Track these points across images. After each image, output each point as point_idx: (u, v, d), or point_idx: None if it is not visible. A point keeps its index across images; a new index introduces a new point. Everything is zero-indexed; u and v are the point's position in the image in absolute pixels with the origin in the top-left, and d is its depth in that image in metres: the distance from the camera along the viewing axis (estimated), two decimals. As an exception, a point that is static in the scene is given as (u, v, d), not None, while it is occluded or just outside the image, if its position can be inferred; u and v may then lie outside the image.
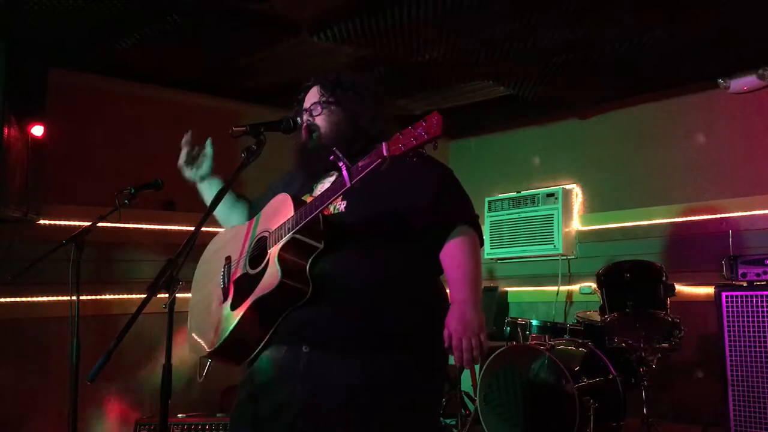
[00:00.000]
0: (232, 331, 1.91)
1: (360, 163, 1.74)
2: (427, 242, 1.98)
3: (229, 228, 2.30)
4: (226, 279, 2.09)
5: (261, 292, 1.87)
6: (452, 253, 1.95)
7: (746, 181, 4.42)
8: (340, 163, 1.75)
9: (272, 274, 1.86)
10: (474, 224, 2.03)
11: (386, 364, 1.87)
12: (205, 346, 2.01)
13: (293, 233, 1.86)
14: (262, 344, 1.96)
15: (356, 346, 1.88)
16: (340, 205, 1.99)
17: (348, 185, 1.75)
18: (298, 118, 2.13)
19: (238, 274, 2.03)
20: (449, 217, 1.99)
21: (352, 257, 1.92)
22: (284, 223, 1.91)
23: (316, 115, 2.10)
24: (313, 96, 2.14)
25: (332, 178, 2.04)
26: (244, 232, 2.14)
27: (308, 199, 1.98)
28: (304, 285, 1.87)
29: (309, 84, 2.19)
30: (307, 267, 1.89)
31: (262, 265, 1.94)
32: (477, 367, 4.04)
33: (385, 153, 1.67)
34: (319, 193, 1.91)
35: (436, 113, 1.62)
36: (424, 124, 1.63)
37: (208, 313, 2.09)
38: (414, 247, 1.98)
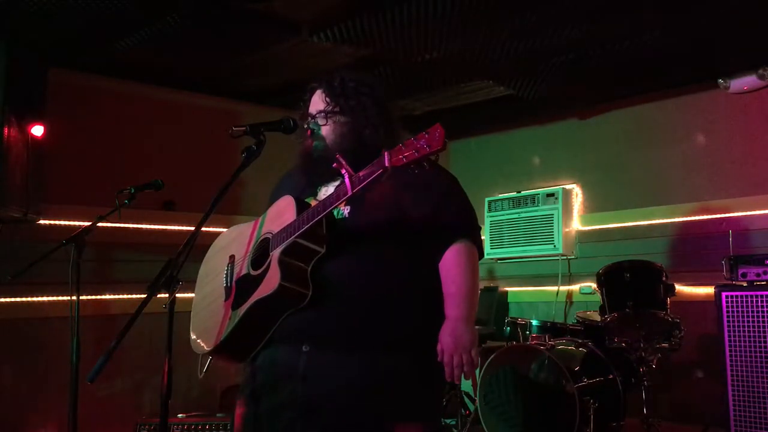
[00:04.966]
0: (233, 330, 1.93)
1: (361, 173, 1.75)
2: (428, 250, 1.99)
3: (234, 227, 2.31)
4: (229, 278, 2.11)
5: (261, 294, 1.88)
6: (449, 267, 1.97)
7: (746, 181, 4.41)
8: (343, 171, 1.77)
9: (272, 276, 1.88)
10: (474, 237, 2.03)
11: (386, 364, 1.88)
12: (207, 344, 2.03)
13: (295, 237, 1.87)
14: (262, 344, 1.98)
15: (356, 346, 1.89)
16: (344, 210, 2.00)
17: (349, 194, 1.76)
18: (305, 124, 2.11)
19: (241, 274, 2.05)
20: (449, 229, 2.00)
21: (354, 262, 1.93)
22: (287, 226, 1.92)
23: (322, 125, 2.08)
24: (317, 102, 2.11)
25: (336, 183, 2.04)
26: (249, 231, 2.15)
27: (312, 202, 1.99)
28: (304, 288, 1.89)
29: (314, 86, 2.15)
30: (309, 271, 1.90)
31: (264, 266, 1.95)
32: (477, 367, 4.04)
33: (386, 164, 1.69)
34: (323, 197, 1.92)
35: (439, 126, 1.62)
36: (426, 136, 1.63)
37: (211, 311, 2.11)
38: (415, 254, 1.99)
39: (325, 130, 2.07)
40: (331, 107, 2.07)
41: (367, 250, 1.95)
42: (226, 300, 2.06)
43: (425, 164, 1.68)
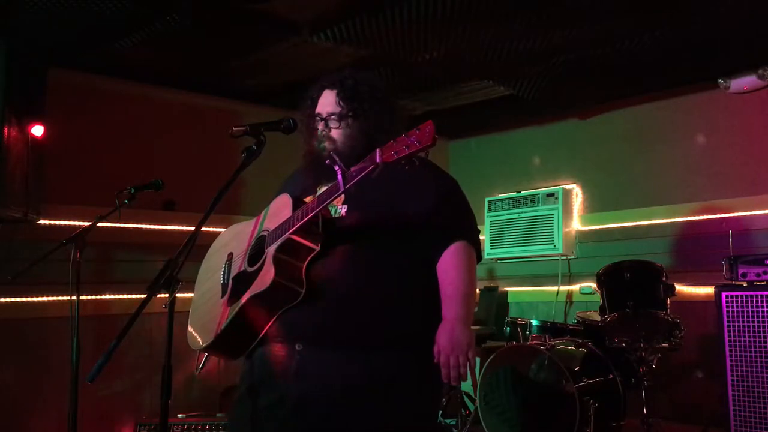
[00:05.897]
0: (227, 326, 1.95)
1: (353, 169, 1.76)
2: (425, 250, 1.99)
3: (236, 224, 2.32)
4: (226, 275, 2.13)
5: (255, 290, 1.90)
6: (447, 267, 1.96)
7: (746, 181, 4.41)
8: (336, 167, 1.77)
9: (267, 273, 1.89)
10: (473, 240, 2.03)
11: (381, 364, 1.89)
12: (203, 340, 2.05)
13: (289, 234, 1.88)
14: (256, 341, 1.99)
15: (351, 345, 1.89)
16: (341, 209, 2.00)
17: (342, 189, 1.77)
18: (314, 126, 2.09)
19: (238, 271, 2.07)
20: (448, 231, 1.99)
21: (350, 261, 1.93)
22: (282, 223, 1.93)
23: (333, 128, 2.06)
24: (330, 102, 2.07)
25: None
26: (249, 229, 2.17)
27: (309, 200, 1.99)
28: (297, 285, 1.90)
29: (325, 83, 2.11)
30: (303, 268, 1.91)
31: (259, 263, 1.97)
32: (477, 367, 4.04)
33: (378, 159, 1.70)
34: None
35: (430, 122, 1.64)
36: (417, 132, 1.64)
37: (208, 307, 2.13)
38: (412, 254, 1.99)
39: (336, 133, 2.05)
40: (345, 111, 2.04)
41: (363, 250, 1.95)
42: (222, 297, 2.08)
43: (415, 160, 1.68)
